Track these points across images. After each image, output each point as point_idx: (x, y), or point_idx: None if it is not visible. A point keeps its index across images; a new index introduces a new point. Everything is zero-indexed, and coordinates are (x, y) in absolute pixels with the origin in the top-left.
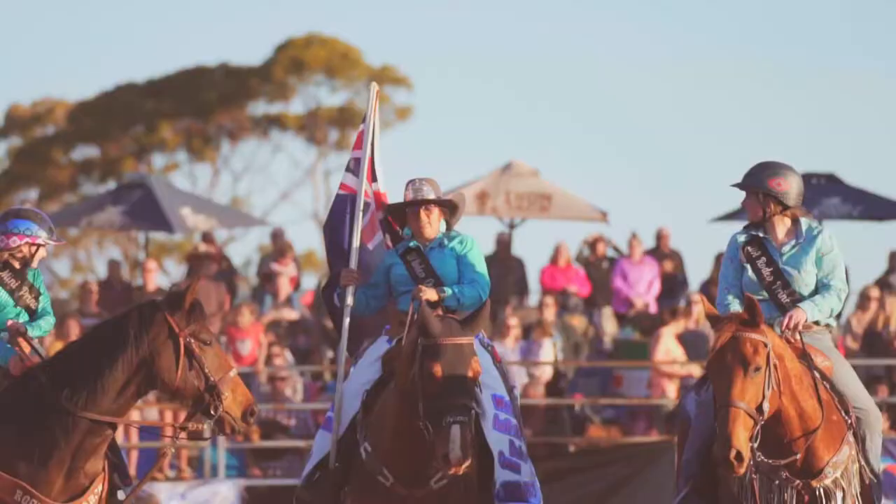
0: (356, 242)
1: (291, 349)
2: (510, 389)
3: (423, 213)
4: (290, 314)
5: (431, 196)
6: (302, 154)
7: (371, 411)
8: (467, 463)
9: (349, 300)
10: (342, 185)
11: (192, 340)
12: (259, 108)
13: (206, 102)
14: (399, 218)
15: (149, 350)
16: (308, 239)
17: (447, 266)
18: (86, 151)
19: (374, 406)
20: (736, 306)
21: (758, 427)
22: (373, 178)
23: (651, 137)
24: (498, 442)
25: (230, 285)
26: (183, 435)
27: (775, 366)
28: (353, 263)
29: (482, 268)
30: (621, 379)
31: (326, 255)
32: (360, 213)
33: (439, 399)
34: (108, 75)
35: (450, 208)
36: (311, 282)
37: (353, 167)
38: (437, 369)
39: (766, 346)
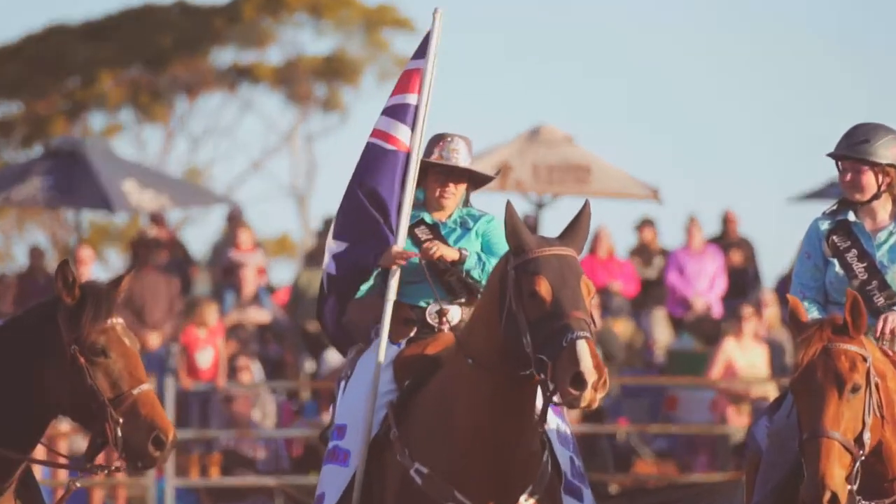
0: (406, 214)
1: (261, 360)
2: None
3: (451, 185)
4: (259, 315)
5: (466, 163)
6: (278, 114)
7: (409, 425)
8: (605, 383)
9: (393, 285)
10: (386, 136)
11: (76, 349)
12: (224, 55)
13: (157, 49)
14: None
15: (37, 364)
16: (284, 220)
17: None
18: (4, 108)
19: (410, 419)
20: (815, 313)
21: (857, 464)
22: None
23: (712, 98)
24: (562, 458)
25: (185, 279)
26: (116, 467)
27: (877, 386)
28: (402, 241)
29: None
30: (676, 400)
31: (339, 229)
32: (414, 180)
33: (551, 319)
34: (34, 14)
35: (473, 181)
36: (285, 274)
37: (404, 115)
38: (544, 285)
39: (865, 360)
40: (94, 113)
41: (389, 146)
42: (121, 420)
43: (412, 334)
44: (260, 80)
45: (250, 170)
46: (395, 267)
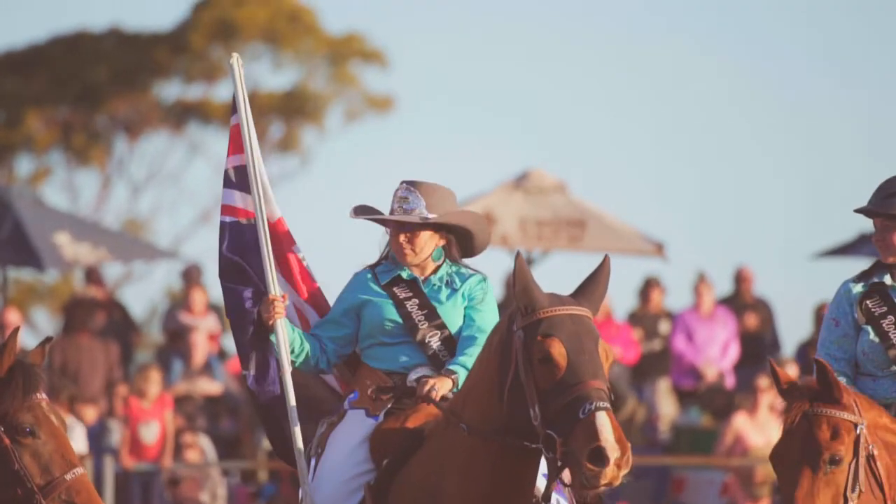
0: (270, 267)
1: (211, 436)
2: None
3: (402, 238)
4: (210, 386)
5: (418, 212)
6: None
7: None
8: (628, 460)
9: (283, 340)
10: (234, 210)
11: (2, 428)
12: (170, 90)
13: (91, 83)
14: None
15: None
16: None
17: (455, 315)
18: None
19: (392, 502)
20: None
21: None
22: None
23: (725, 142)
24: None
25: (125, 345)
26: None
27: (872, 458)
28: (274, 288)
29: (495, 319)
30: (684, 482)
31: (230, 318)
32: (266, 237)
33: (565, 389)
34: None
35: (454, 234)
36: None
37: (238, 180)
38: (557, 348)
39: (855, 428)
40: (21, 156)
41: (244, 220)
42: None
43: (389, 405)
44: (210, 118)
45: (200, 220)
46: (278, 319)
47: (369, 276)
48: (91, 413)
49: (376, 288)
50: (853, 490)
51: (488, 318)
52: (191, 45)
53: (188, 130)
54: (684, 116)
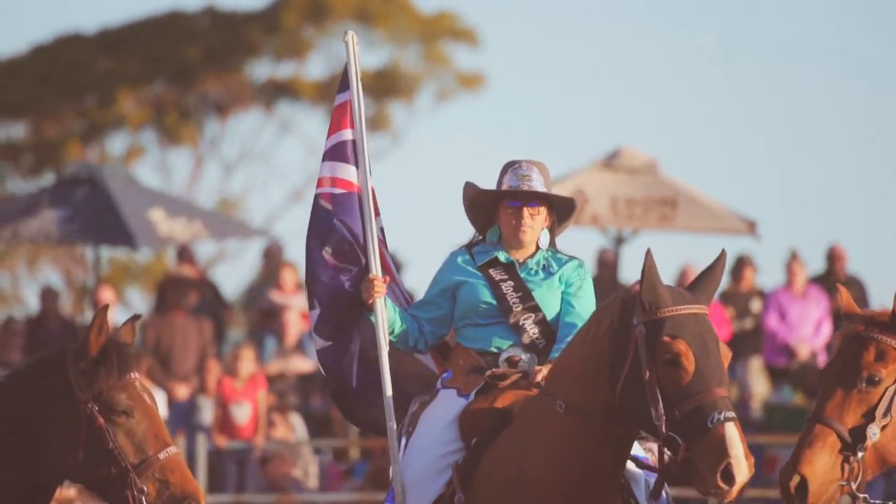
0: (374, 245)
1: (303, 415)
2: (648, 451)
3: (526, 213)
4: (302, 365)
5: (541, 188)
6: (322, 135)
7: (477, 488)
8: (752, 472)
9: (381, 320)
10: (333, 181)
11: (96, 408)
12: (261, 69)
13: (184, 62)
14: (479, 215)
15: (39, 424)
16: None
17: (550, 298)
18: (10, 130)
19: (478, 480)
20: None
21: (856, 462)
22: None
23: (817, 116)
24: None
25: (218, 323)
26: None
27: None
28: (376, 268)
29: (594, 306)
30: (777, 461)
31: (309, 287)
32: (371, 212)
33: (692, 395)
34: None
35: (559, 211)
36: None
37: (343, 153)
38: (686, 353)
39: None
40: (113, 135)
41: (338, 190)
42: (145, 489)
43: (481, 385)
44: (301, 96)
45: (291, 199)
46: (377, 299)
47: (466, 256)
48: (183, 391)
49: (472, 269)
50: (885, 414)
51: (586, 305)
52: (283, 25)
53: (278, 109)
54: (777, 92)
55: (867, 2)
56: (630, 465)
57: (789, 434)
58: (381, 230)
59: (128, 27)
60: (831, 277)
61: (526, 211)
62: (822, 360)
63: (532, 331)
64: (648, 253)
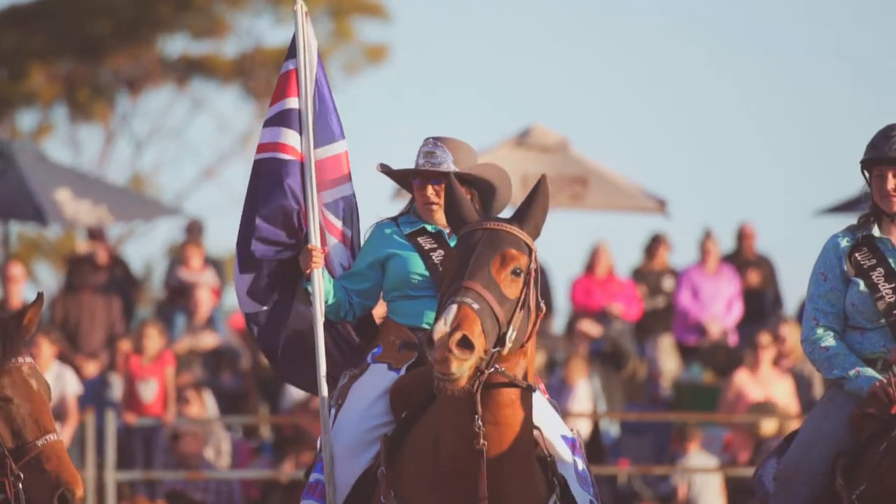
0: (316, 215)
1: (214, 392)
2: (576, 432)
3: (431, 190)
4: (211, 341)
5: (447, 166)
6: (234, 112)
7: (399, 462)
8: (455, 337)
9: (318, 291)
10: (276, 146)
11: None
12: (174, 45)
13: (95, 37)
14: (409, 186)
15: None
16: None
17: None
18: None
19: (402, 455)
20: (829, 340)
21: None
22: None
23: (726, 96)
24: (581, 501)
25: (126, 301)
26: None
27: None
28: (316, 238)
29: None
30: (685, 437)
31: (238, 250)
32: (313, 182)
33: (448, 286)
34: None
35: (479, 188)
36: None
37: (288, 120)
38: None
39: None
40: (23, 111)
41: (283, 155)
42: (21, 475)
43: (413, 360)
44: (213, 73)
45: (202, 177)
46: (315, 270)
47: (393, 227)
48: (92, 367)
49: (401, 240)
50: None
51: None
52: (195, 1)
53: (191, 87)
54: (686, 72)
55: None
56: (559, 444)
57: (698, 412)
58: (353, 195)
59: (37, 2)
60: (741, 256)
61: (430, 188)
62: (732, 338)
63: None
64: (449, 176)
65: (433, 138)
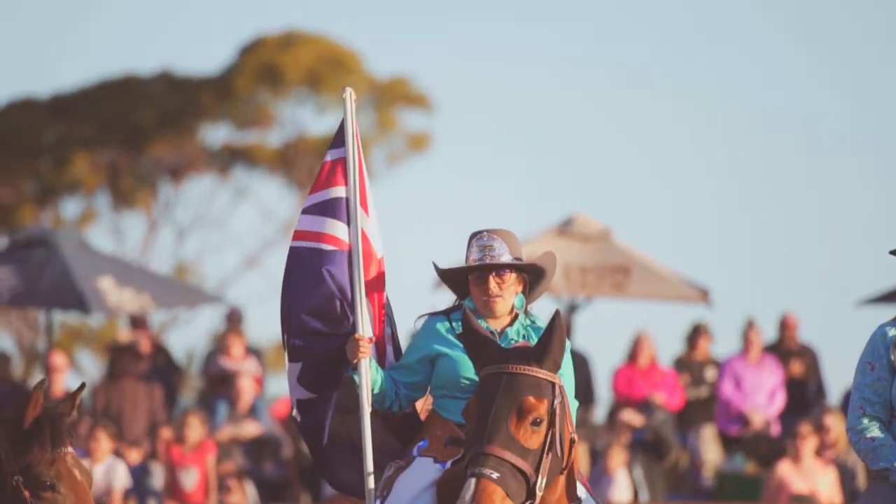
0: (362, 303)
1: (255, 481)
2: None
3: (493, 282)
4: (253, 430)
5: (506, 257)
6: (277, 201)
7: None
8: None
9: (365, 381)
10: (318, 236)
11: (22, 480)
12: (216, 134)
13: (138, 126)
14: (457, 285)
15: None
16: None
17: None
18: None
19: None
20: (875, 431)
21: None
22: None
23: (769, 185)
24: None
25: (169, 389)
26: None
27: None
28: (365, 329)
29: (572, 383)
30: None
31: (286, 339)
32: (361, 271)
33: (471, 445)
34: None
35: (531, 275)
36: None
37: (334, 210)
38: (472, 406)
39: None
40: (67, 199)
41: (327, 246)
42: None
43: (458, 456)
44: (256, 162)
45: (244, 265)
46: (363, 360)
47: (446, 324)
48: (134, 455)
49: (452, 339)
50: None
51: (568, 378)
52: (236, 90)
53: (234, 175)
54: (729, 162)
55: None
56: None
57: (741, 502)
58: (385, 303)
59: (81, 91)
60: (783, 346)
61: (493, 280)
62: (774, 429)
63: None
64: (465, 310)
65: (486, 231)
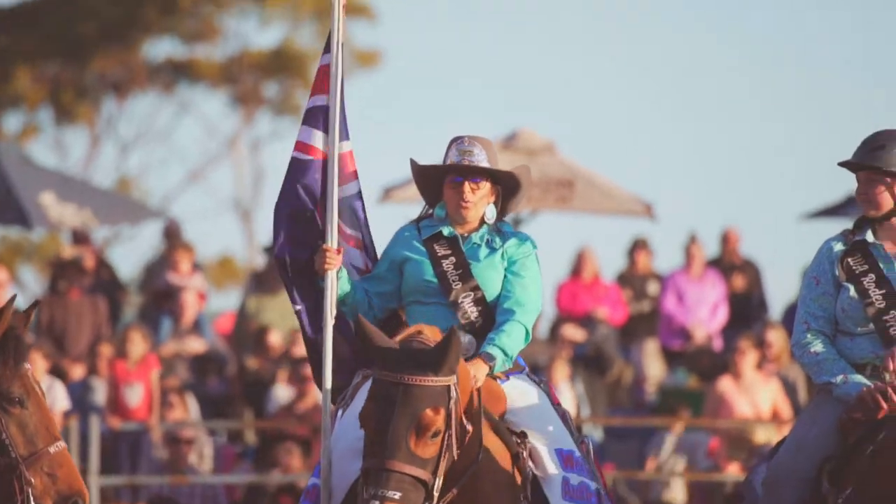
0: (334, 216)
1: (198, 396)
2: (580, 441)
3: (467, 188)
4: (197, 345)
5: (484, 163)
6: (220, 116)
7: None
8: None
9: (329, 291)
10: (305, 147)
11: None
12: (159, 48)
13: (81, 39)
14: (429, 189)
15: None
16: (226, 238)
17: (491, 276)
18: None
19: None
20: (819, 346)
21: None
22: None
23: (713, 99)
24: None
25: (112, 304)
26: None
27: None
28: (332, 241)
29: (536, 289)
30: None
31: (277, 247)
32: (335, 181)
33: (372, 456)
34: None
35: (505, 186)
36: (228, 300)
37: (316, 120)
38: (366, 416)
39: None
40: (8, 113)
41: (305, 156)
42: (33, 481)
43: None
44: (199, 76)
45: (188, 180)
46: (329, 271)
47: (413, 231)
48: (78, 371)
49: (417, 244)
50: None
51: (529, 286)
52: (179, 3)
53: (177, 90)
54: (672, 76)
55: None
56: (549, 460)
57: (683, 418)
58: (359, 193)
59: (23, 4)
60: (725, 260)
61: (467, 186)
62: (717, 343)
63: (470, 310)
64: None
65: (467, 137)
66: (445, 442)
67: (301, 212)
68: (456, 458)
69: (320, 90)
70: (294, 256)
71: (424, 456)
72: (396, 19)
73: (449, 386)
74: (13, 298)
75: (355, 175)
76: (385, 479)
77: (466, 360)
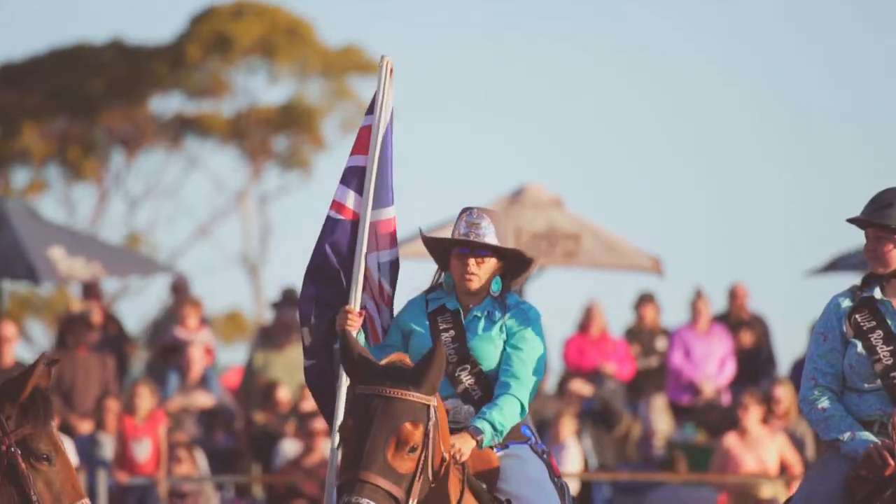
0: (359, 277)
1: (206, 451)
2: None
3: (472, 262)
4: (205, 400)
5: (490, 239)
6: (228, 171)
7: None
8: None
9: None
10: (339, 207)
11: (20, 452)
12: (167, 104)
13: (89, 96)
14: (439, 254)
15: None
16: (234, 293)
17: (488, 349)
18: None
19: None
20: (826, 402)
21: None
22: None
23: (720, 156)
24: None
25: (120, 359)
26: None
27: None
28: (355, 303)
29: (535, 360)
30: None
31: (303, 312)
32: (363, 243)
33: (344, 470)
34: None
35: (515, 262)
36: (235, 355)
37: (352, 180)
38: (347, 428)
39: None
40: (16, 169)
41: (339, 216)
42: None
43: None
44: (208, 132)
45: (196, 235)
46: (348, 332)
47: (421, 302)
48: (85, 426)
49: (423, 317)
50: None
51: (527, 358)
52: (188, 58)
53: (185, 145)
54: (681, 132)
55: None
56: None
57: (691, 473)
58: (395, 261)
59: (31, 60)
60: (733, 315)
61: (472, 260)
62: (725, 398)
63: (467, 381)
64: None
65: (476, 209)
66: (421, 463)
67: (327, 271)
68: (431, 483)
69: (360, 150)
70: (318, 314)
71: (400, 470)
72: (403, 75)
73: (429, 406)
74: (41, 357)
75: (395, 240)
76: (359, 488)
77: (459, 431)
